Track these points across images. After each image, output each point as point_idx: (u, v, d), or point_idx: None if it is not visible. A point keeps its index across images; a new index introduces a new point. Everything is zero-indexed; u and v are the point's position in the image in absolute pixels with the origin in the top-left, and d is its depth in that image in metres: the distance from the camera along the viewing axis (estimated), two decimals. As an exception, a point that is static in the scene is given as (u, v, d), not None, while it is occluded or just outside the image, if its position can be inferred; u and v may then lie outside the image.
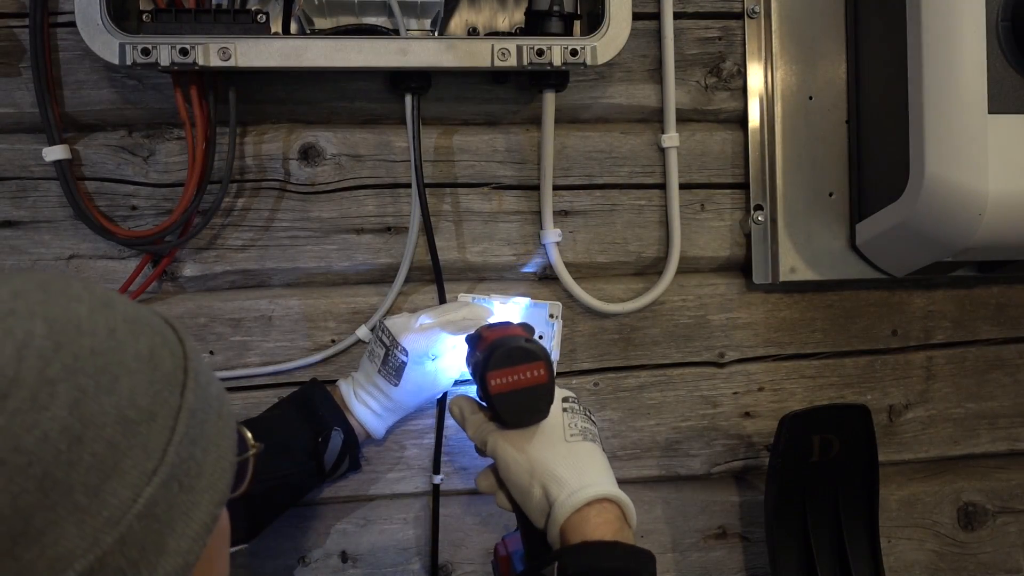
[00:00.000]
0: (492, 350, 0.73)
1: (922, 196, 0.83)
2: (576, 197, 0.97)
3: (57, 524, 0.39)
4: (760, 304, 1.01)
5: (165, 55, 0.80)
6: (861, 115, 0.97)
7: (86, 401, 0.40)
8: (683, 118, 0.98)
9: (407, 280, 0.94)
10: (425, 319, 0.85)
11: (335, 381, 0.89)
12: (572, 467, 0.71)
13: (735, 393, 1.01)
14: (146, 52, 0.80)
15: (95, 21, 0.80)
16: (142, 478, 0.42)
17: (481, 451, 0.77)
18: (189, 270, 0.93)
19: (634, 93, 0.97)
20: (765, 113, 0.98)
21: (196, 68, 0.82)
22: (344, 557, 0.95)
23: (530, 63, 0.85)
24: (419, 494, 0.96)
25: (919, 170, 0.83)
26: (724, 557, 1.01)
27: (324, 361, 0.94)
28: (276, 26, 0.89)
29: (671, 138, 0.97)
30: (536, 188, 0.96)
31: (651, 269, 0.99)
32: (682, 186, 0.98)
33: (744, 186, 0.99)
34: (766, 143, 0.98)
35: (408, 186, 0.94)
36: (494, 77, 0.94)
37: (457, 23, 0.94)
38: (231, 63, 0.82)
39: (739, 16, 0.99)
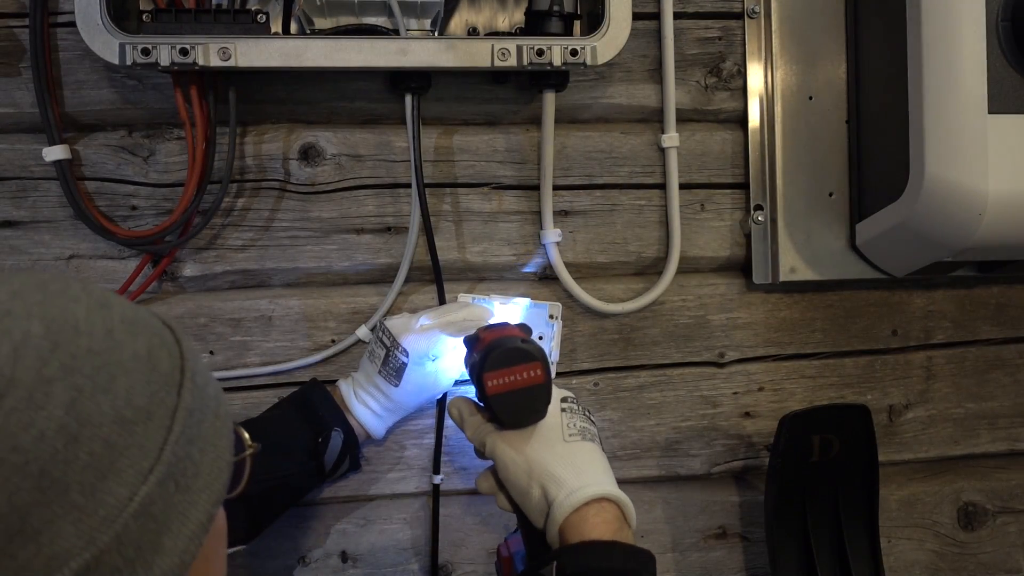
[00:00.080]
0: (489, 351, 0.73)
1: (922, 196, 0.83)
2: (576, 197, 0.97)
3: (53, 522, 0.39)
4: (760, 304, 1.01)
5: (165, 55, 0.80)
6: (861, 115, 0.97)
7: (83, 400, 0.40)
8: (683, 118, 0.98)
9: (407, 280, 0.94)
10: (425, 320, 0.85)
11: (335, 381, 0.90)
12: (571, 467, 0.71)
13: (735, 393, 1.01)
14: (146, 52, 0.80)
15: (95, 21, 0.80)
16: (138, 477, 0.42)
17: (480, 452, 0.77)
18: (189, 270, 0.93)
19: (634, 93, 0.97)
20: (765, 113, 0.98)
21: (196, 68, 0.82)
22: (344, 557, 0.95)
23: (530, 63, 0.85)
24: (419, 494, 0.96)
25: (919, 170, 0.83)
26: (724, 557, 1.01)
27: (324, 361, 0.94)
28: (276, 26, 0.89)
29: (671, 138, 0.97)
30: (536, 188, 0.96)
31: (651, 269, 0.99)
32: (682, 186, 0.98)
33: (744, 186, 0.99)
34: (766, 143, 0.98)
35: (408, 186, 0.94)
36: (494, 77, 0.94)
37: (457, 23, 0.94)
38: (231, 63, 0.82)
39: (739, 16, 0.99)
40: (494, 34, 0.94)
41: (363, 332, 0.93)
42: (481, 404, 0.76)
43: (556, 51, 0.85)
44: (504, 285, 0.97)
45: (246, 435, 0.55)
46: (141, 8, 0.87)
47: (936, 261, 0.90)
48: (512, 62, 0.85)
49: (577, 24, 0.91)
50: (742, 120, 0.99)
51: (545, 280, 0.97)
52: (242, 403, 0.93)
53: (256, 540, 0.84)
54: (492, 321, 0.86)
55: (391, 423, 0.89)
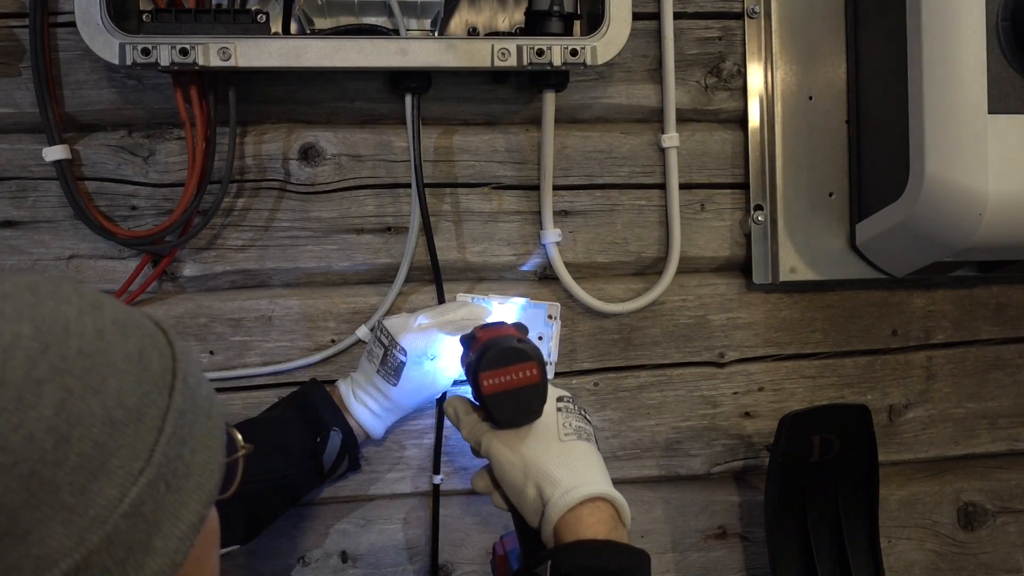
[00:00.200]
0: (484, 350, 0.73)
1: (922, 196, 0.83)
2: (576, 197, 0.97)
3: (43, 523, 0.39)
4: (760, 304, 1.01)
5: (165, 55, 0.80)
6: (861, 115, 0.97)
7: (73, 401, 0.41)
8: (683, 118, 0.98)
9: (407, 280, 0.94)
10: (423, 319, 0.85)
11: (335, 381, 0.90)
12: (566, 466, 0.71)
13: (735, 393, 1.01)
14: (146, 52, 0.80)
15: (95, 21, 0.80)
16: (129, 478, 0.42)
17: (476, 452, 0.77)
18: (189, 270, 0.93)
19: (634, 93, 0.97)
20: (765, 113, 0.98)
21: (196, 68, 0.82)
22: (344, 557, 0.95)
23: (530, 63, 0.85)
24: (419, 494, 0.96)
25: (919, 170, 0.83)
26: (724, 557, 1.01)
27: (324, 361, 0.94)
28: (276, 26, 0.89)
29: (671, 138, 0.97)
30: (536, 188, 0.96)
31: (651, 269, 0.99)
32: (682, 186, 0.98)
33: (744, 186, 0.99)
34: (766, 143, 0.98)
35: (408, 186, 0.94)
36: (494, 77, 0.94)
37: (457, 23, 0.94)
38: (231, 63, 0.82)
39: (739, 16, 0.99)
40: (494, 34, 0.94)
41: (363, 332, 0.93)
42: (477, 403, 0.76)
43: (556, 51, 0.85)
44: (504, 285, 0.97)
45: (239, 436, 0.55)
46: (141, 8, 0.87)
47: (936, 261, 0.90)
48: (512, 62, 0.85)
49: (577, 24, 0.91)
50: (742, 120, 0.99)
51: (545, 280, 0.97)
52: (242, 403, 0.93)
53: (255, 540, 0.84)
54: (489, 320, 0.86)
55: (390, 423, 0.89)
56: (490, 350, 0.72)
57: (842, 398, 1.02)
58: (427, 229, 0.92)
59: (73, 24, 0.82)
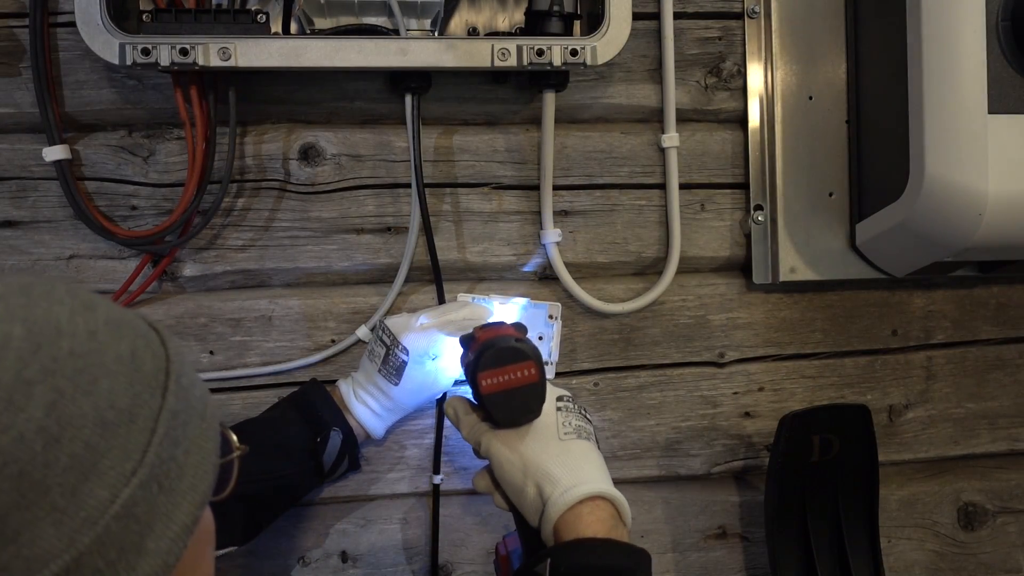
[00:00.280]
0: (483, 350, 0.73)
1: (922, 196, 0.83)
2: (576, 197, 0.97)
3: (34, 524, 0.39)
4: (760, 304, 1.01)
5: (165, 55, 0.80)
6: (861, 115, 0.97)
7: (64, 402, 0.40)
8: (683, 118, 0.98)
9: (407, 280, 0.94)
10: (425, 319, 0.85)
11: (335, 381, 0.90)
12: (565, 465, 0.71)
13: (735, 393, 1.01)
14: (146, 52, 0.80)
15: (95, 21, 0.80)
16: (120, 479, 0.42)
17: (476, 452, 0.77)
18: (189, 270, 0.93)
19: (634, 93, 0.97)
20: (765, 113, 0.98)
21: (196, 68, 0.82)
22: (344, 557, 0.95)
23: (530, 63, 0.85)
24: (419, 494, 0.96)
25: (919, 170, 0.83)
26: (724, 557, 1.01)
27: (324, 361, 0.94)
28: (276, 26, 0.89)
29: (671, 138, 0.97)
30: (536, 188, 0.96)
31: (651, 269, 0.99)
32: (682, 186, 0.98)
33: (744, 186, 0.99)
34: (766, 143, 0.98)
35: (408, 186, 0.94)
36: (494, 77, 0.94)
37: (457, 23, 0.94)
38: (231, 63, 0.82)
39: (739, 16, 0.99)
40: (494, 34, 0.94)
41: (363, 332, 0.93)
42: (477, 403, 0.76)
43: (556, 51, 0.85)
44: (504, 285, 0.97)
45: (234, 437, 0.54)
46: (141, 8, 0.87)
47: (936, 261, 0.90)
48: (512, 62, 0.85)
49: (577, 24, 0.91)
50: (742, 120, 0.99)
51: (545, 280, 0.97)
52: (242, 403, 0.93)
53: (256, 540, 0.84)
54: (490, 320, 0.86)
55: (391, 423, 0.89)
56: (488, 350, 0.72)
57: (842, 398, 1.02)
58: (427, 229, 0.92)
59: (73, 24, 0.82)
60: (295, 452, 0.83)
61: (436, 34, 0.90)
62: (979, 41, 0.79)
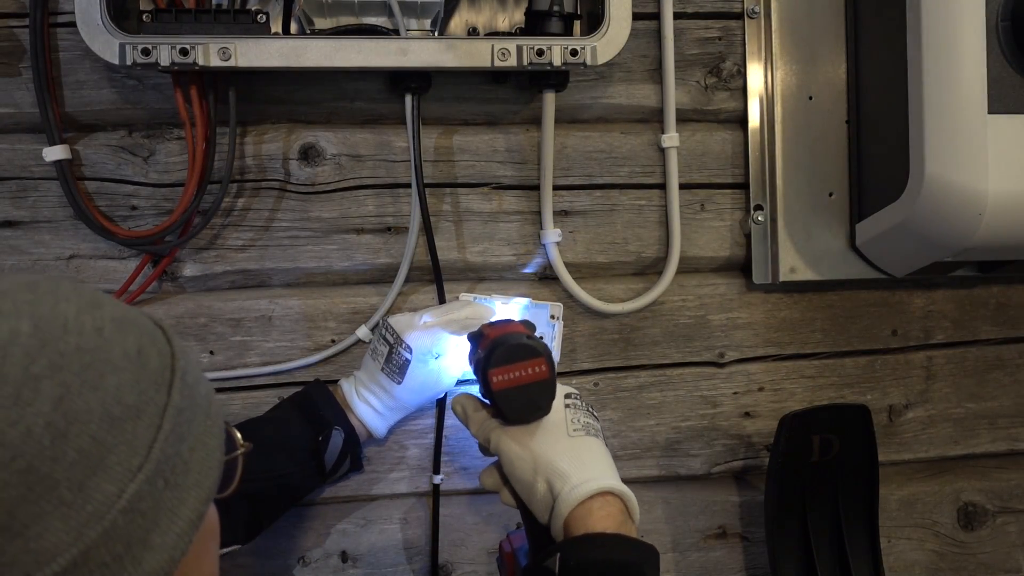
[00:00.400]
0: (494, 347, 0.73)
1: (922, 196, 0.83)
2: (576, 197, 0.97)
3: (41, 518, 0.39)
4: (760, 304, 1.01)
5: (165, 55, 0.80)
6: (861, 115, 0.97)
7: (71, 398, 0.41)
8: (683, 118, 0.98)
9: (407, 280, 0.94)
10: (428, 317, 0.85)
11: (336, 381, 0.90)
12: (575, 461, 0.71)
13: (735, 393, 1.01)
14: (146, 52, 0.80)
15: (95, 21, 0.80)
16: (127, 474, 0.42)
17: (484, 448, 0.77)
18: (189, 270, 0.93)
19: (634, 93, 0.97)
20: (765, 113, 0.98)
21: (196, 68, 0.82)
22: (344, 557, 0.95)
23: (530, 63, 0.85)
24: (419, 494, 0.96)
25: (919, 170, 0.83)
26: (724, 557, 1.01)
27: (324, 361, 0.94)
28: (276, 26, 0.89)
29: (671, 138, 0.97)
30: (536, 188, 0.96)
31: (651, 269, 0.99)
32: (682, 186, 0.98)
33: (744, 186, 0.99)
34: (766, 143, 0.98)
35: (408, 186, 0.94)
36: (494, 77, 0.94)
37: (457, 23, 0.94)
38: (231, 63, 0.82)
39: (739, 16, 0.99)
40: (494, 34, 0.94)
41: (363, 332, 0.93)
42: (485, 400, 0.77)
43: (556, 51, 0.85)
44: (504, 285, 0.97)
45: (238, 434, 0.55)
46: (141, 8, 0.87)
47: (936, 261, 0.90)
48: (512, 62, 0.85)
49: (577, 24, 0.91)
50: (742, 120, 0.99)
51: (545, 280, 0.97)
52: (242, 403, 0.93)
53: (256, 539, 0.84)
54: (494, 319, 0.86)
55: (393, 422, 0.89)
56: (500, 347, 0.73)
57: (842, 398, 1.02)
58: (427, 229, 0.92)
59: (73, 24, 0.82)
60: (297, 451, 0.83)
61: (436, 34, 0.90)
62: (979, 41, 0.79)
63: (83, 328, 0.43)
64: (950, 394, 1.04)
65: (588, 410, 0.77)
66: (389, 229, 0.95)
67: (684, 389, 1.00)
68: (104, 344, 0.44)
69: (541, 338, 0.94)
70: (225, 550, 0.77)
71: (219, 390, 0.93)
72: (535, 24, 0.89)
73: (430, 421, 0.95)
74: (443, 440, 0.94)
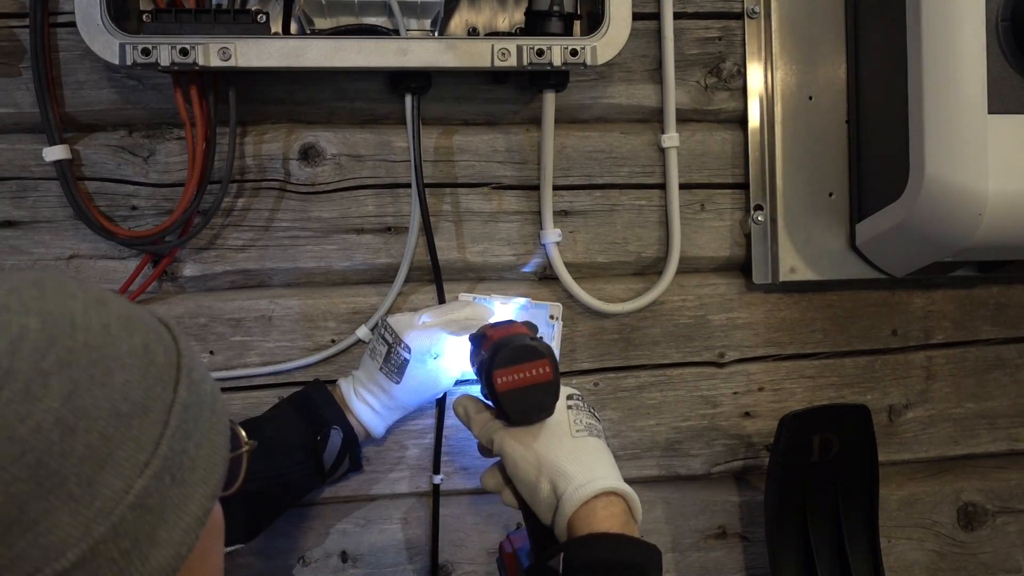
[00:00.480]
0: (498, 348, 0.73)
1: (922, 196, 0.83)
2: (576, 197, 0.97)
3: (50, 513, 0.40)
4: (760, 304, 1.01)
5: (165, 55, 0.80)
6: (861, 115, 0.97)
7: (79, 393, 0.41)
8: (683, 118, 0.98)
9: (407, 280, 0.94)
10: (427, 317, 0.85)
11: (335, 381, 0.90)
12: (579, 462, 0.71)
13: (735, 393, 1.01)
14: (146, 52, 0.80)
15: (95, 21, 0.80)
16: (135, 470, 0.42)
17: (486, 449, 0.77)
18: (189, 270, 0.93)
19: (634, 93, 0.97)
20: (765, 113, 0.98)
21: (196, 68, 0.82)
22: (344, 557, 0.95)
23: (530, 63, 0.85)
24: (419, 494, 0.96)
25: (919, 170, 0.83)
26: (724, 557, 1.01)
27: (324, 361, 0.94)
28: (276, 26, 0.89)
29: (671, 138, 0.97)
30: (536, 188, 0.96)
31: (651, 269, 0.99)
32: (682, 186, 0.98)
33: (744, 186, 0.99)
34: (766, 143, 0.98)
35: (408, 186, 0.94)
36: (494, 77, 0.94)
37: (457, 23, 0.94)
38: (231, 63, 0.82)
39: (739, 16, 0.99)
40: (494, 34, 0.94)
41: (363, 332, 0.93)
42: (488, 401, 0.77)
43: (556, 51, 0.85)
44: (504, 285, 0.97)
45: (242, 432, 0.55)
46: (141, 8, 0.87)
47: (936, 261, 0.90)
48: (512, 62, 0.85)
49: (577, 24, 0.91)
50: (742, 120, 0.99)
51: (545, 280, 0.97)
52: (242, 403, 0.93)
53: (256, 539, 0.85)
54: (493, 320, 0.86)
55: (391, 422, 0.89)
56: (503, 348, 0.73)
57: (842, 398, 1.02)
58: (427, 229, 0.92)
59: (73, 24, 0.82)
60: (295, 450, 0.83)
61: (436, 34, 0.90)
62: (979, 41, 0.79)
63: (90, 325, 0.44)
64: (950, 394, 1.04)
65: (590, 411, 0.77)
66: (389, 229, 0.95)
67: (684, 389, 1.00)
68: (111, 341, 0.44)
69: (541, 338, 0.95)
70: (229, 549, 0.77)
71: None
72: (535, 24, 0.89)
73: (430, 421, 0.95)
74: (443, 440, 0.94)
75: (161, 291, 0.93)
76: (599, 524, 0.68)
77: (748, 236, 0.99)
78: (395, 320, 0.85)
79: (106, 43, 0.81)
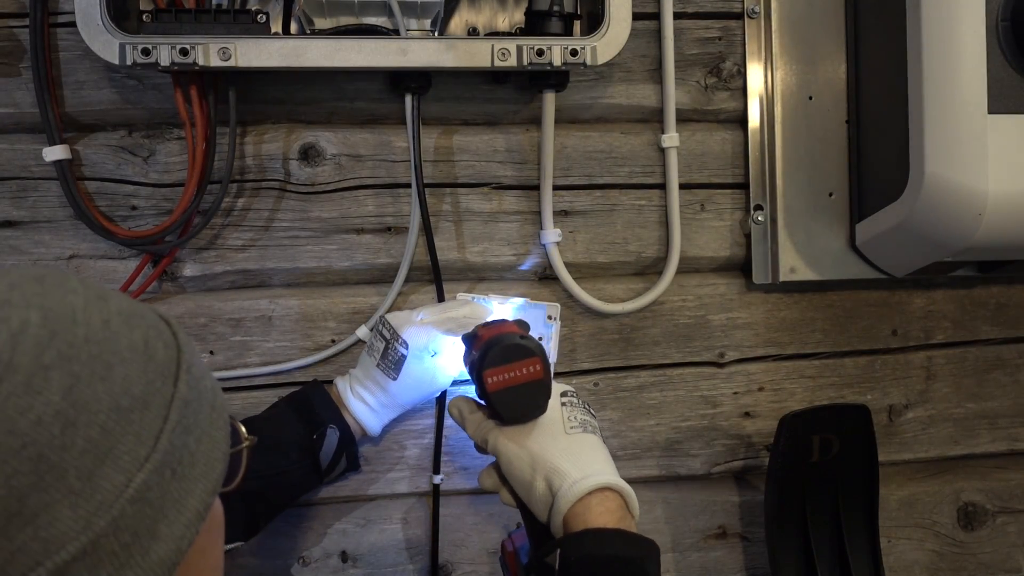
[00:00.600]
0: (487, 348, 0.73)
1: (922, 196, 0.83)
2: (576, 197, 0.97)
3: (51, 506, 0.40)
4: (760, 304, 1.01)
5: (165, 55, 0.81)
6: (861, 115, 0.97)
7: (80, 387, 0.41)
8: (683, 118, 0.98)
9: (407, 280, 0.94)
10: (425, 315, 0.85)
11: (333, 380, 0.90)
12: (573, 458, 0.71)
13: (735, 393, 1.01)
14: (146, 52, 0.80)
15: (95, 21, 0.80)
16: (135, 464, 0.43)
17: (482, 449, 0.77)
18: (189, 270, 0.93)
19: (634, 93, 0.97)
20: (765, 113, 0.98)
21: (196, 68, 0.82)
22: (344, 557, 0.95)
23: (530, 63, 0.85)
24: (419, 494, 0.96)
25: (919, 170, 0.83)
26: (724, 557, 1.01)
27: (324, 361, 0.94)
28: (276, 26, 0.89)
29: (671, 138, 0.97)
30: (536, 188, 0.96)
31: (651, 269, 0.99)
32: (682, 186, 0.98)
33: (744, 186, 0.99)
34: (766, 143, 0.98)
35: (408, 186, 0.94)
36: (494, 77, 0.94)
37: (457, 23, 0.94)
38: (231, 63, 0.82)
39: (739, 16, 0.99)
40: (494, 34, 0.94)
41: (363, 332, 0.93)
42: (481, 401, 0.77)
43: (556, 51, 0.85)
44: (504, 285, 0.97)
45: (243, 428, 0.56)
46: (141, 8, 0.87)
47: (936, 261, 0.90)
48: (512, 62, 0.85)
49: (577, 24, 0.91)
50: (742, 120, 0.99)
51: (545, 280, 0.97)
52: (242, 403, 0.93)
53: (256, 539, 0.85)
54: (490, 319, 0.86)
55: (387, 420, 0.89)
56: (493, 347, 0.73)
57: (842, 398, 1.02)
58: (427, 229, 0.92)
59: (73, 24, 0.82)
60: (292, 449, 0.83)
61: (436, 34, 0.90)
62: (979, 41, 0.79)
63: (91, 320, 0.44)
64: (950, 394, 1.04)
65: (585, 407, 0.77)
66: (389, 229, 0.95)
67: (684, 389, 1.00)
68: (111, 336, 0.44)
69: (540, 339, 0.95)
70: (229, 546, 0.77)
71: (219, 390, 0.93)
72: (535, 24, 0.89)
73: (430, 421, 0.95)
74: (443, 440, 0.94)
75: (161, 291, 0.93)
76: (595, 520, 0.68)
77: (748, 236, 0.99)
78: (393, 317, 0.86)
79: (106, 43, 0.81)
